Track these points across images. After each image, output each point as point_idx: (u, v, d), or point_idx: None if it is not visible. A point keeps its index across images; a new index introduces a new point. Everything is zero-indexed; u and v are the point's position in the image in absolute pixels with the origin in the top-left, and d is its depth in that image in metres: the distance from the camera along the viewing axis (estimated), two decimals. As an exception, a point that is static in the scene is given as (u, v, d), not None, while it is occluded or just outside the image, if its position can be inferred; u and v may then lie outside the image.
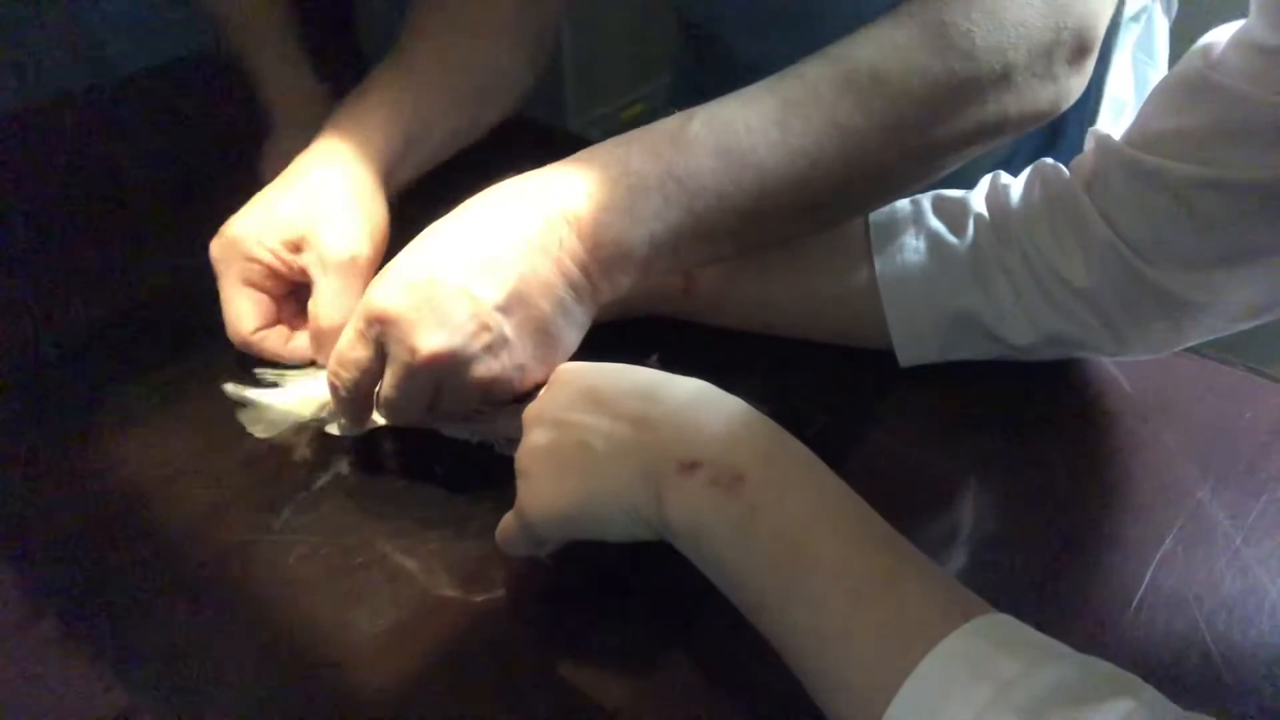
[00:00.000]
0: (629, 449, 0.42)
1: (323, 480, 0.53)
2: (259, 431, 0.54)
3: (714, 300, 0.59)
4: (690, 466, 0.40)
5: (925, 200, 0.57)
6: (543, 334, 0.48)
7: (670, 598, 0.47)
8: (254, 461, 0.53)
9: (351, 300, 0.54)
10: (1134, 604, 0.46)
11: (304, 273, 0.56)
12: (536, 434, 0.44)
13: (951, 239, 0.55)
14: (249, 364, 0.57)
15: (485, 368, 0.46)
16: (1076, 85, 0.52)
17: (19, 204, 0.74)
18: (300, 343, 0.58)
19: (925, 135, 0.49)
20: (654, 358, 0.51)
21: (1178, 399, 0.57)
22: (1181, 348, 0.56)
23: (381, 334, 0.47)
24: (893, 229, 0.56)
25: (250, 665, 0.44)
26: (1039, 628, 0.35)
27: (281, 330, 0.58)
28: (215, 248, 0.57)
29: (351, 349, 0.48)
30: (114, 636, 0.45)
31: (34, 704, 0.42)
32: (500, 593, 0.47)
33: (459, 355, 0.45)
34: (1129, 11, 0.73)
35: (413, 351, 0.45)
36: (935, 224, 0.56)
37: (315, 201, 0.57)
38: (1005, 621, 0.35)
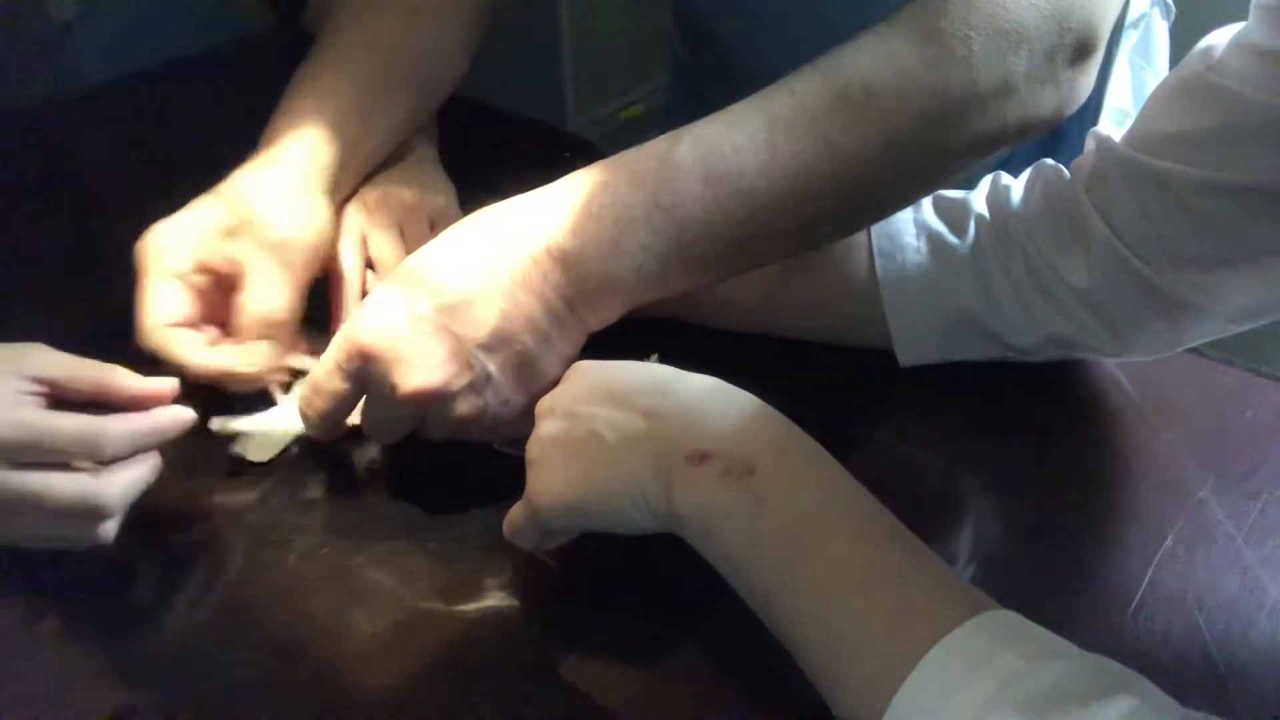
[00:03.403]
0: (640, 439, 0.42)
1: (323, 480, 0.53)
2: (257, 456, 0.52)
3: (714, 301, 0.59)
4: (701, 457, 0.40)
5: (926, 201, 0.57)
6: (526, 368, 0.47)
7: (674, 596, 0.47)
8: (252, 462, 0.53)
9: (285, 289, 0.52)
10: (1134, 604, 0.46)
11: (235, 265, 0.52)
12: (548, 424, 0.45)
13: (952, 239, 0.55)
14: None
15: (468, 405, 0.46)
16: (1081, 88, 0.50)
17: (14, 205, 0.74)
18: (211, 357, 0.51)
19: (922, 149, 0.48)
20: (654, 357, 0.51)
21: (1178, 399, 0.57)
22: (1182, 349, 0.56)
23: (361, 370, 0.46)
24: (893, 229, 0.56)
25: (251, 665, 0.44)
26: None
27: (197, 335, 0.52)
28: (138, 248, 0.52)
29: (329, 380, 0.47)
30: (114, 636, 0.45)
31: (34, 704, 0.42)
32: (502, 591, 0.47)
33: (440, 394, 0.45)
34: (1128, 18, 0.72)
35: (393, 389, 0.45)
36: (936, 224, 0.56)
37: (253, 195, 0.54)
38: (1010, 618, 0.35)
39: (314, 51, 0.64)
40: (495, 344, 0.46)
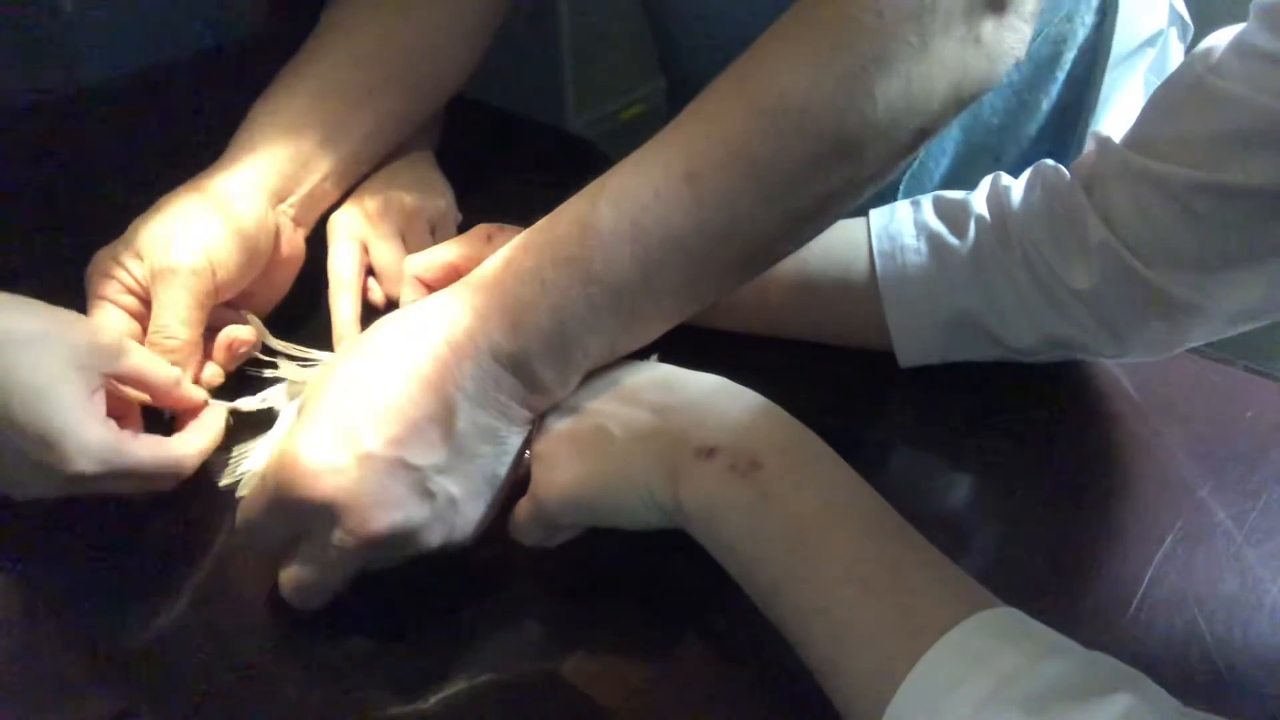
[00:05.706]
0: (647, 434, 0.42)
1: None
2: (240, 490, 0.52)
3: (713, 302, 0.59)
4: (708, 452, 0.40)
5: (926, 201, 0.57)
6: (489, 482, 0.45)
7: (676, 594, 0.47)
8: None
9: (181, 314, 0.52)
10: (1134, 604, 0.46)
11: (146, 289, 0.54)
12: (554, 420, 0.45)
13: (952, 240, 0.55)
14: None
15: (435, 535, 0.43)
16: (1009, 44, 0.46)
17: (13, 204, 0.74)
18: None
19: (850, 144, 0.44)
20: (654, 357, 0.51)
21: (1178, 399, 0.57)
22: (1182, 350, 0.56)
23: (306, 521, 0.42)
24: (893, 229, 0.56)
25: (251, 664, 0.44)
26: (1040, 627, 0.35)
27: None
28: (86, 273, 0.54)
29: (265, 527, 0.43)
30: (114, 636, 0.45)
31: (34, 704, 0.42)
32: (505, 588, 0.47)
33: (404, 531, 0.42)
34: (1142, 35, 0.72)
35: (350, 535, 0.41)
36: (936, 225, 0.56)
37: (165, 219, 0.54)
38: (1011, 615, 0.35)
39: (296, 56, 0.64)
40: (455, 464, 0.43)
